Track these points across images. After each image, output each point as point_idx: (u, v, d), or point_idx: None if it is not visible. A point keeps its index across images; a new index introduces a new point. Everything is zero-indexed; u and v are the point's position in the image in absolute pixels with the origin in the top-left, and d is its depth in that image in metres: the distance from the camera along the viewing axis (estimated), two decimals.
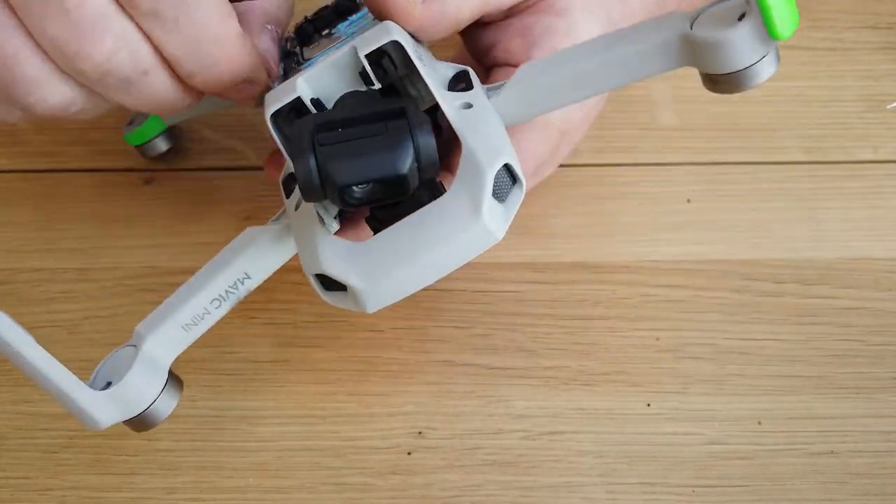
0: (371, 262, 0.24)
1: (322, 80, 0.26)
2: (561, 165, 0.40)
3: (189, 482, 0.31)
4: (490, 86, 0.27)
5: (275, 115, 0.26)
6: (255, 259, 0.28)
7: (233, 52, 0.27)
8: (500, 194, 0.24)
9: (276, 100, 0.26)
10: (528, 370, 0.33)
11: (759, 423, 0.32)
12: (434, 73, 0.27)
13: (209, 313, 0.28)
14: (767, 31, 0.22)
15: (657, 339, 0.34)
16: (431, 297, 0.35)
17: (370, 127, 0.23)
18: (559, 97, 0.26)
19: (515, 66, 0.30)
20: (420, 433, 0.32)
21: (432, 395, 0.33)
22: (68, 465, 0.32)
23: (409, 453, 0.32)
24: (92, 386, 0.26)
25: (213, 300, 0.27)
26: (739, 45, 0.23)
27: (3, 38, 0.25)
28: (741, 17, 0.23)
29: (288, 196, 0.28)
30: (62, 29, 0.25)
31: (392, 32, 0.25)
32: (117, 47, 0.25)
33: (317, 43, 0.32)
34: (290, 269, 0.36)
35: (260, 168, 0.39)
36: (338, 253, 0.24)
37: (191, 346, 0.34)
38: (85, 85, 0.27)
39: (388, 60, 0.26)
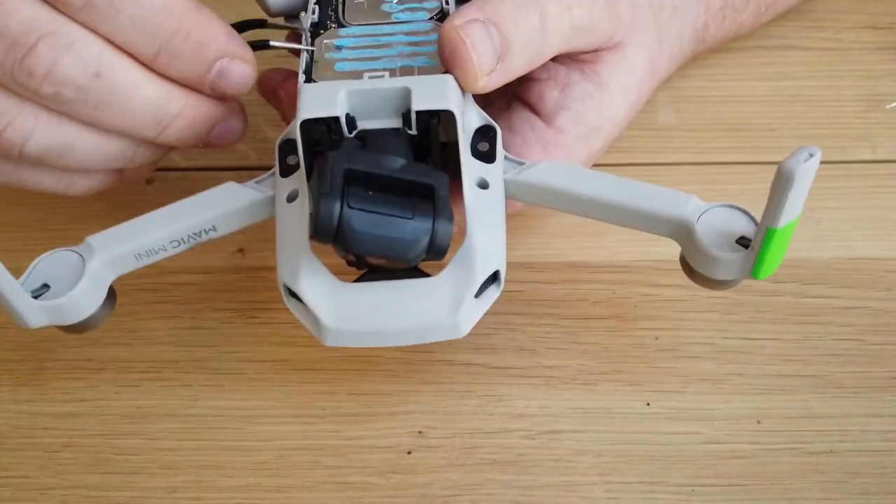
0: (345, 309, 0.25)
1: (363, 99, 0.26)
2: None
3: (190, 481, 0.31)
4: (511, 158, 0.29)
5: (305, 122, 0.26)
6: (227, 216, 0.28)
7: (186, 17, 0.25)
8: (479, 292, 0.26)
9: (313, 108, 0.26)
10: (528, 370, 0.33)
11: (759, 422, 0.32)
12: (464, 132, 0.27)
13: (164, 250, 0.28)
14: (753, 271, 0.26)
15: (656, 338, 0.34)
16: None
17: (398, 202, 0.24)
18: (561, 205, 0.28)
19: (539, 114, 0.33)
20: (420, 432, 0.32)
21: (432, 394, 0.33)
22: (69, 465, 0.32)
23: (409, 452, 0.32)
24: (26, 281, 0.27)
25: (174, 241, 0.28)
26: (726, 267, 0.26)
27: None
28: (740, 240, 0.26)
29: (282, 169, 0.28)
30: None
31: (451, 101, 0.26)
32: (56, 54, 0.24)
33: (362, 8, 0.31)
34: None
35: (260, 168, 0.39)
36: (317, 280, 0.25)
37: (192, 346, 0.35)
38: (62, 114, 0.26)
39: (436, 121, 0.27)
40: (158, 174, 0.40)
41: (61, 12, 0.24)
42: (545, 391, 0.33)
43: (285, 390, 0.33)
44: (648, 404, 0.32)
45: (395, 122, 0.27)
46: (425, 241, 0.24)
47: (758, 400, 0.32)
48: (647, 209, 0.27)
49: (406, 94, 0.26)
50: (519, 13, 0.28)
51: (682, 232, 0.27)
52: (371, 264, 0.26)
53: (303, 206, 0.26)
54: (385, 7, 0.31)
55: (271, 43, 0.30)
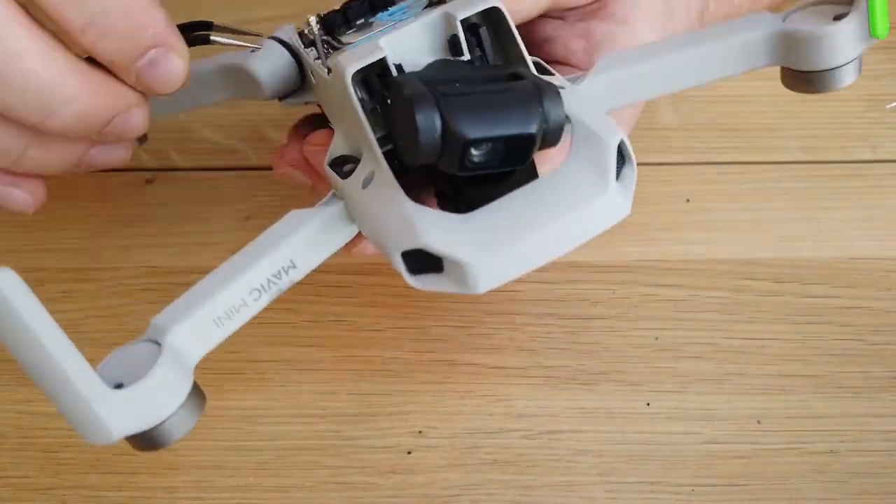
0: (486, 235, 0.20)
1: (406, 43, 0.23)
2: None
3: (190, 481, 0.31)
4: (567, 76, 0.26)
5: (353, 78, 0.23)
6: (302, 246, 0.24)
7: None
8: (616, 172, 0.22)
9: (356, 59, 0.23)
10: (528, 369, 0.33)
11: (759, 422, 0.32)
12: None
13: (246, 306, 0.23)
14: (871, 28, 0.23)
15: (656, 338, 0.34)
16: (432, 296, 0.35)
17: (492, 85, 0.21)
18: (642, 90, 0.25)
19: (574, 66, 0.32)
20: (420, 432, 0.32)
21: (432, 394, 0.33)
22: (69, 465, 0.32)
23: (409, 452, 0.32)
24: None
25: (253, 290, 0.23)
26: (841, 42, 0.23)
27: None
28: (837, 17, 0.24)
29: (343, 177, 0.24)
30: None
31: None
32: None
33: (353, 31, 0.29)
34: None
35: (260, 168, 0.39)
36: (440, 224, 0.21)
37: None
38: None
39: (485, 30, 0.24)
40: (158, 174, 0.40)
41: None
42: (545, 391, 0.33)
43: (285, 390, 0.33)
44: (648, 404, 0.32)
45: (445, 54, 0.24)
46: (539, 112, 0.20)
47: (758, 400, 0.32)
48: (730, 46, 0.24)
49: (445, 19, 0.23)
50: None
51: (779, 43, 0.24)
52: (477, 197, 0.22)
53: (382, 172, 0.23)
54: (375, 23, 0.29)
55: (212, 38, 0.29)
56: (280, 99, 0.31)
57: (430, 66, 0.24)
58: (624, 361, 0.33)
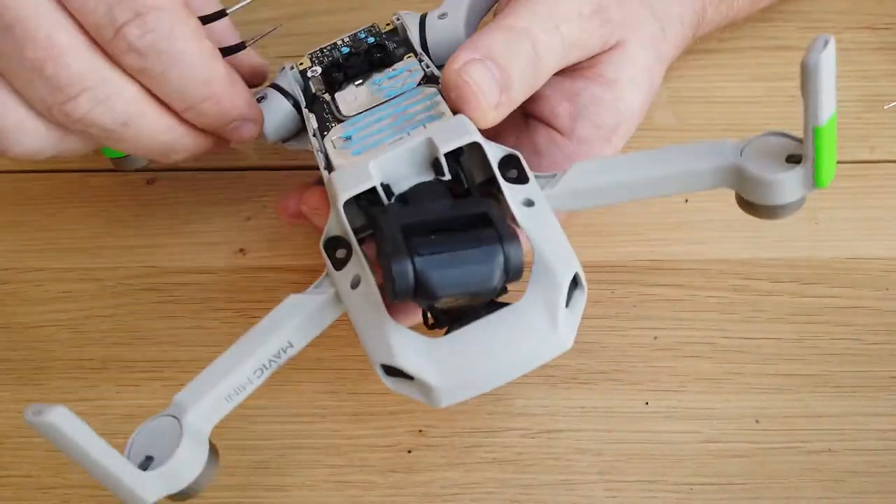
0: (449, 362, 0.24)
1: (393, 164, 0.27)
2: None
3: None
4: (540, 175, 0.29)
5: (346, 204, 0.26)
6: (299, 329, 0.27)
7: (220, 88, 0.28)
8: (567, 302, 0.25)
9: (349, 187, 0.26)
10: None
11: (757, 421, 0.32)
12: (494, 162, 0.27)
13: (251, 383, 0.27)
14: (815, 180, 0.25)
15: (655, 337, 0.34)
16: None
17: (462, 236, 0.24)
18: (606, 199, 0.28)
19: (557, 130, 0.33)
20: (420, 431, 0.32)
21: None
22: (70, 464, 0.32)
23: (409, 451, 0.32)
24: (129, 458, 0.25)
25: (257, 370, 0.27)
26: (787, 188, 0.26)
27: None
28: (790, 158, 0.26)
29: (335, 265, 0.28)
30: (38, 89, 0.26)
31: (473, 134, 0.26)
32: (93, 105, 0.27)
33: (350, 92, 0.32)
34: (290, 269, 0.36)
35: (261, 168, 0.40)
36: (412, 347, 0.25)
37: (192, 346, 0.35)
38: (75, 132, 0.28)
39: (465, 157, 0.27)
40: (159, 174, 0.40)
41: (114, 66, 0.27)
42: (545, 390, 0.33)
43: (285, 390, 0.33)
44: (647, 403, 0.32)
45: (429, 175, 0.27)
46: (501, 263, 0.23)
47: (756, 399, 0.32)
48: (688, 170, 0.27)
49: (430, 145, 0.27)
50: (511, 45, 0.29)
51: (731, 175, 0.26)
52: (452, 314, 0.26)
53: (368, 286, 0.26)
54: (374, 92, 0.32)
55: (247, 44, 0.33)
56: (283, 142, 0.34)
57: (412, 194, 0.27)
58: (623, 361, 0.34)
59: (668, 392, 0.33)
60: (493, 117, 0.29)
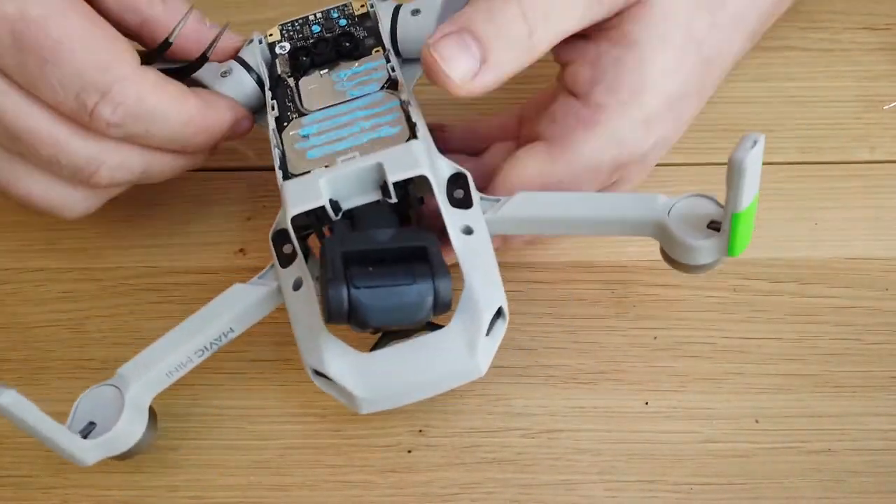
0: (372, 376, 0.27)
1: (342, 183, 0.28)
2: None
3: (191, 480, 0.31)
4: (486, 197, 0.30)
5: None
6: (240, 316, 0.30)
7: (202, 120, 0.31)
8: (488, 330, 0.28)
9: (299, 203, 0.28)
10: (528, 369, 0.33)
11: (757, 421, 0.32)
12: (439, 187, 0.29)
13: (191, 361, 0.30)
14: (729, 249, 0.28)
15: (655, 337, 0.34)
16: None
17: (398, 269, 0.26)
18: (543, 230, 0.31)
19: (577, 96, 0.32)
20: (420, 431, 0.32)
21: None
22: (70, 464, 0.32)
23: (409, 451, 0.32)
24: (72, 423, 0.29)
25: (198, 350, 0.30)
26: (702, 252, 0.28)
27: (17, 184, 0.31)
28: (711, 224, 0.28)
29: (280, 260, 0.30)
30: (63, 173, 0.30)
31: (422, 167, 0.28)
32: (112, 172, 0.30)
33: (314, 79, 0.33)
34: None
35: (261, 168, 0.40)
36: (341, 358, 0.27)
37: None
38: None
39: (413, 185, 0.29)
40: None
41: (117, 143, 0.30)
42: (544, 390, 0.33)
43: (285, 390, 0.33)
44: (647, 403, 0.32)
45: (376, 195, 0.29)
46: (430, 300, 0.26)
47: (756, 399, 0.32)
48: (619, 218, 0.29)
49: (380, 169, 0.28)
50: (494, 12, 0.28)
51: (657, 230, 0.29)
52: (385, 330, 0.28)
53: (309, 291, 0.29)
54: (338, 86, 0.32)
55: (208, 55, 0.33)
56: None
57: (359, 212, 0.29)
58: (623, 361, 0.34)
59: (667, 392, 0.33)
60: (470, 89, 0.28)
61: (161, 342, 0.30)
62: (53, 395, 0.33)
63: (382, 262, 0.26)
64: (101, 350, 0.35)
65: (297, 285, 0.29)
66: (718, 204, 0.29)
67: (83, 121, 0.29)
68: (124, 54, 0.29)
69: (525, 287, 0.36)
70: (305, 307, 0.28)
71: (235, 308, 0.30)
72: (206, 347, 0.30)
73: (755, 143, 0.25)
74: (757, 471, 0.31)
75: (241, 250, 0.37)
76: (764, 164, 0.39)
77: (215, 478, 0.31)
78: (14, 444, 0.32)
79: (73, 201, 0.31)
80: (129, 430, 0.29)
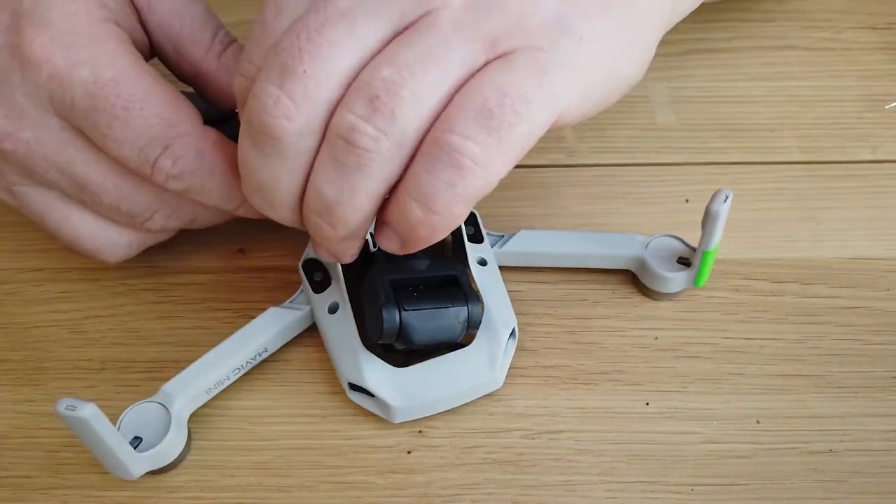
0: (407, 388, 0.31)
1: None
2: (561, 165, 0.41)
3: (190, 481, 0.31)
4: (492, 233, 0.36)
5: None
6: (275, 337, 0.33)
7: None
8: (505, 345, 0.32)
9: None
10: (528, 369, 0.33)
11: (758, 421, 0.32)
12: (461, 227, 0.34)
13: (228, 379, 0.32)
14: (696, 280, 0.34)
15: (656, 338, 0.34)
16: None
17: (437, 295, 0.30)
18: (540, 262, 0.36)
19: None
20: (420, 432, 0.32)
21: None
22: (70, 465, 0.32)
23: (409, 452, 0.32)
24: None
25: (235, 369, 0.32)
26: (673, 283, 0.34)
27: (65, 225, 0.33)
28: (680, 259, 0.34)
29: (313, 286, 0.34)
30: (122, 218, 0.32)
31: None
32: (166, 220, 0.33)
33: None
34: (290, 269, 0.36)
35: None
36: (379, 372, 0.31)
37: (192, 346, 0.35)
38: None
39: None
40: None
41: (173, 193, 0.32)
42: (545, 391, 0.33)
43: (285, 390, 0.33)
44: (648, 404, 0.32)
45: None
46: (465, 321, 0.30)
47: (757, 399, 0.32)
48: (605, 253, 0.35)
49: None
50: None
51: (636, 263, 0.35)
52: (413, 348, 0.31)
53: (346, 313, 0.32)
54: None
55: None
56: None
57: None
58: (624, 361, 0.33)
59: (668, 392, 0.33)
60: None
61: (202, 361, 0.32)
62: (51, 395, 0.33)
63: (423, 287, 0.30)
64: (100, 350, 0.35)
65: (333, 309, 0.33)
66: (684, 243, 0.35)
67: (145, 173, 0.30)
68: (187, 112, 0.31)
69: (526, 287, 0.36)
70: (343, 328, 0.32)
71: (271, 330, 0.33)
72: (242, 366, 0.32)
73: (727, 198, 0.31)
74: (758, 471, 0.31)
75: (241, 250, 0.37)
76: (765, 163, 0.39)
77: (215, 478, 0.31)
78: (13, 445, 0.32)
79: (118, 245, 0.33)
80: (174, 443, 0.30)
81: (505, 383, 0.33)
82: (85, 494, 0.31)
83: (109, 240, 0.33)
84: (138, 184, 0.31)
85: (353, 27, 0.25)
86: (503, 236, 0.35)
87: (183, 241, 0.37)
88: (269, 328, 0.33)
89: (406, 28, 0.26)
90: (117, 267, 0.37)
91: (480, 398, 0.33)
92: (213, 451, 0.32)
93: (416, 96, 0.25)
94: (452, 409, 0.32)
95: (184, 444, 0.31)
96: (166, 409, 0.31)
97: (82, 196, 0.32)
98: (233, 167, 0.30)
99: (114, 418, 0.33)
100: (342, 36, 0.25)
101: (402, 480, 0.31)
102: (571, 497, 0.30)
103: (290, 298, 0.34)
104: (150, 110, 0.30)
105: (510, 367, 0.33)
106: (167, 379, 0.31)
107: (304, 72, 0.25)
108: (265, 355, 0.33)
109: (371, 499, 0.31)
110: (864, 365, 0.33)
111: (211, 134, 0.31)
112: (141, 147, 0.30)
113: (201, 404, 0.32)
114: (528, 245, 0.35)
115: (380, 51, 0.26)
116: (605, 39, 0.28)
